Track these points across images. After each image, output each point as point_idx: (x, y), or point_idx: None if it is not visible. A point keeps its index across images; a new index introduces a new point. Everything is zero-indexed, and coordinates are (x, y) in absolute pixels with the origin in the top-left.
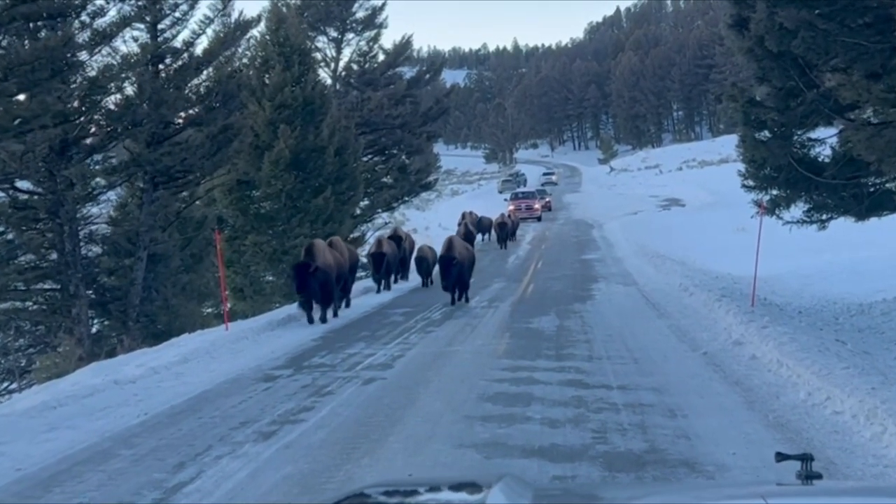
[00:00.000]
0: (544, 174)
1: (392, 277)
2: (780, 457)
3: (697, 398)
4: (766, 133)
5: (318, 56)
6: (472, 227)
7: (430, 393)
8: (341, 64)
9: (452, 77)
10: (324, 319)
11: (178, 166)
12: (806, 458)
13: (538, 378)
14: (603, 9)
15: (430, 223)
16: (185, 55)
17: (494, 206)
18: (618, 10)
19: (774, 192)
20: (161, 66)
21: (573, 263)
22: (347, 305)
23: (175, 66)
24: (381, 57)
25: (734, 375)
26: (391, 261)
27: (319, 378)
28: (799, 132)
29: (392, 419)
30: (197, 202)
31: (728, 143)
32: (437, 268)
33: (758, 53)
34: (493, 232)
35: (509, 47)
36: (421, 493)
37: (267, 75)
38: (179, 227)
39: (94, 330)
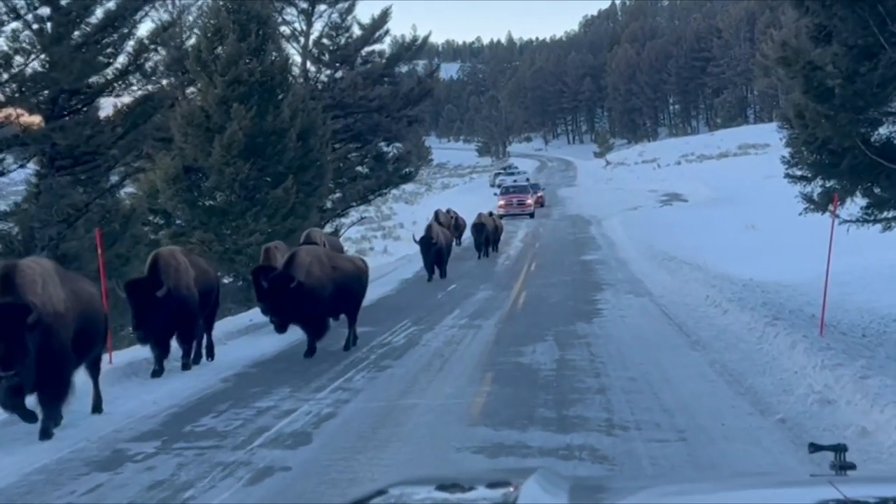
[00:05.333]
0: (509, 172)
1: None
2: (814, 448)
3: None
4: (822, 108)
5: (287, 30)
6: (448, 229)
7: None
8: (312, 39)
9: (446, 70)
10: (186, 365)
11: (82, 146)
12: (840, 449)
13: None
14: (598, 2)
15: (417, 218)
16: (92, 4)
17: (486, 200)
18: (613, 3)
19: (830, 182)
20: (59, 18)
21: (572, 266)
22: (210, 356)
23: (76, 17)
24: (358, 33)
25: None
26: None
27: (189, 464)
28: (873, 106)
29: None
30: (133, 192)
31: (728, 137)
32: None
33: (827, 1)
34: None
35: (503, 40)
36: (451, 490)
37: (220, 46)
38: (102, 222)
39: None
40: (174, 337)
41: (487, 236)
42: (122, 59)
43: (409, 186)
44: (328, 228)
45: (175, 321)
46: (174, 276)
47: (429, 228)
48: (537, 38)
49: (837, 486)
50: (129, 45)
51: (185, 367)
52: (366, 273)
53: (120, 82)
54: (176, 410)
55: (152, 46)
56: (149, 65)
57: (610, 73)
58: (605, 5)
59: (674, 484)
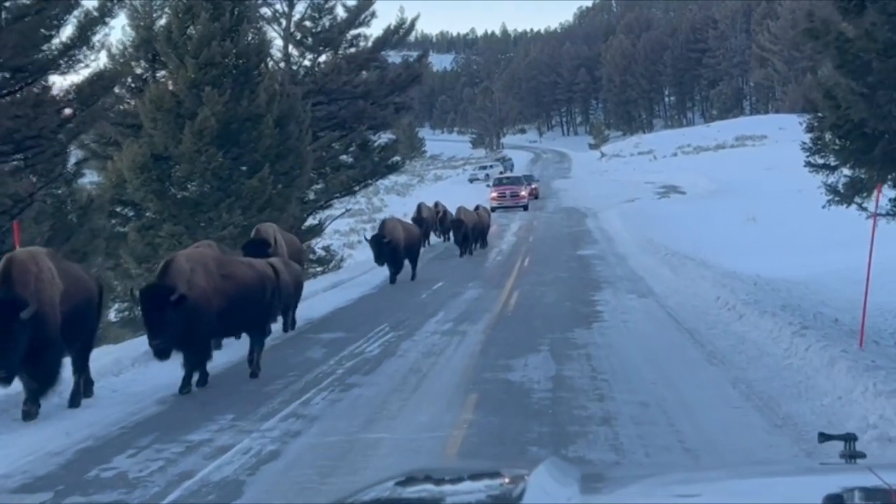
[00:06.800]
0: (482, 166)
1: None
2: (823, 437)
3: None
4: (856, 85)
5: (269, 12)
6: (432, 223)
7: None
8: (294, 21)
9: (440, 61)
10: (29, 413)
11: (23, 130)
12: (849, 438)
13: None
14: None
15: (409, 210)
16: None
17: (478, 192)
18: None
19: (859, 171)
20: None
21: (568, 262)
22: (87, 394)
23: None
24: (343, 15)
25: None
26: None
27: None
28: None
29: None
30: (101, 182)
31: (724, 129)
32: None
33: None
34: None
35: (498, 32)
36: (456, 482)
37: (191, 27)
38: (55, 214)
39: None
40: (24, 371)
41: (467, 233)
42: (68, 32)
43: (401, 178)
44: (311, 221)
45: (28, 349)
46: (33, 287)
47: (382, 225)
48: (532, 30)
49: (848, 473)
50: (75, 15)
51: (28, 415)
52: (272, 279)
53: (65, 58)
54: (89, 444)
55: (103, 19)
56: (97, 39)
57: (605, 64)
58: None
59: (684, 472)
